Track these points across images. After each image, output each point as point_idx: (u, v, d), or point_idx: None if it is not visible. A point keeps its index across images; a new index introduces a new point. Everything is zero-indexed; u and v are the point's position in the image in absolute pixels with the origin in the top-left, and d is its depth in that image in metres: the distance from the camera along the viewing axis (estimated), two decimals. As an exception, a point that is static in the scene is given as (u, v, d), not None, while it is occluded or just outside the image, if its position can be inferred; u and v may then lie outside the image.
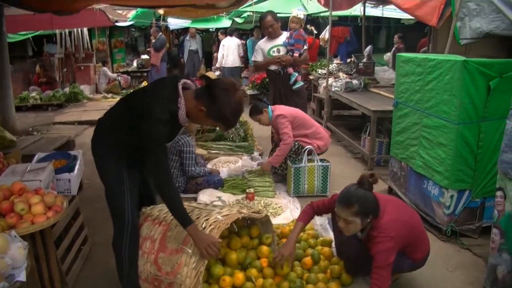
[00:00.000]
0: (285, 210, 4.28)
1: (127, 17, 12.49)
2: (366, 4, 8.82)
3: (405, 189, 4.37)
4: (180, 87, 2.51)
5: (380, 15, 11.24)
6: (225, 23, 14.41)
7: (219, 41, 12.92)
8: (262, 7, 10.22)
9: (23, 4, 4.00)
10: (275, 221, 3.84)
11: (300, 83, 5.53)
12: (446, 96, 3.58)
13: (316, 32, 11.34)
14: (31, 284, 2.44)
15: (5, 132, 5.10)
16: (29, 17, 7.80)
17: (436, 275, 3.21)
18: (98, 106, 10.50)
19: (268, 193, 4.62)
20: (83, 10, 5.94)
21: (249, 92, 10.43)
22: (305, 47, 5.52)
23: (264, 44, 5.58)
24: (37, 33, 11.28)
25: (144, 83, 12.14)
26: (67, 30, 12.27)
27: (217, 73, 11.52)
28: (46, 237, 2.69)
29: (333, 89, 7.19)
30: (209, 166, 5.17)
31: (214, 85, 2.47)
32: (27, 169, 3.27)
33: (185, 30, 15.28)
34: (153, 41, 11.91)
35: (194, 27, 13.55)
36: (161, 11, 9.33)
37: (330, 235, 3.51)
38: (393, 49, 11.15)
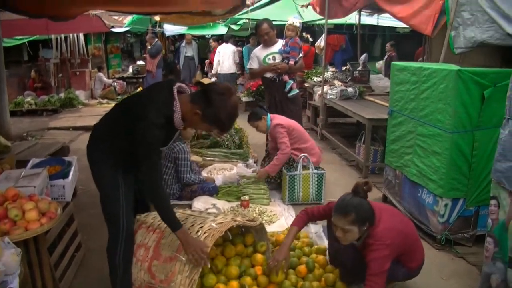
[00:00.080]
0: (279, 218, 4.27)
1: (123, 23, 12.52)
2: (362, 13, 8.87)
3: (399, 197, 4.38)
4: (175, 90, 2.52)
5: (375, 23, 11.30)
6: (221, 30, 14.46)
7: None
8: (258, 15, 10.26)
9: (18, 9, 4.00)
10: (269, 228, 3.83)
11: (296, 91, 5.55)
12: (440, 105, 3.60)
13: (312, 40, 11.39)
14: (24, 291, 2.43)
15: (0, 137, 5.07)
16: (25, 22, 7.78)
17: (431, 284, 3.21)
18: (93, 111, 10.47)
19: (263, 201, 4.61)
20: (79, 15, 5.94)
21: (244, 99, 10.45)
22: (301, 54, 5.54)
23: (259, 52, 5.60)
24: (32, 38, 11.26)
25: (140, 89, 12.13)
26: (63, 35, 12.25)
27: (213, 79, 11.54)
28: (40, 244, 2.68)
29: (328, 97, 7.21)
30: (204, 173, 5.16)
31: (210, 89, 2.50)
32: (21, 175, 3.25)
33: (181, 36, 15.32)
34: (149, 47, 11.92)
35: (190, 34, 13.58)
36: (157, 18, 9.36)
37: (325, 243, 3.50)
38: (386, 57, 11.24)
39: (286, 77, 5.43)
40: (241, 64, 12.25)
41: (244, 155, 5.81)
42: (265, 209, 4.43)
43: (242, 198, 4.46)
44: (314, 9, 8.19)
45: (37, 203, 2.69)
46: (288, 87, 5.44)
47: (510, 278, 2.66)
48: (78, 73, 12.67)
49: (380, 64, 11.44)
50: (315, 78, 8.79)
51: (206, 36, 17.18)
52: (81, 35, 13.03)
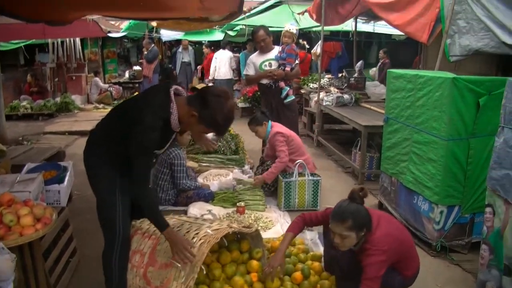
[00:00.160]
0: (275, 224, 4.27)
1: (120, 28, 12.52)
2: (358, 20, 8.92)
3: (395, 204, 4.39)
4: (172, 92, 2.53)
5: (372, 30, 11.35)
6: (218, 36, 14.49)
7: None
8: (255, 21, 10.30)
9: (15, 14, 3.99)
10: (265, 235, 3.83)
11: (292, 97, 5.57)
12: (436, 112, 3.62)
13: (308, 47, 11.44)
14: (18, 297, 2.42)
15: (-5, 141, 5.06)
16: (21, 26, 7.76)
17: (426, 291, 3.21)
18: (89, 116, 10.46)
19: (259, 207, 4.61)
20: (76, 20, 5.93)
21: (240, 105, 10.47)
22: (297, 61, 5.56)
23: (256, 58, 5.62)
24: (29, 42, 11.24)
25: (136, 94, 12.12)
26: (59, 40, 12.23)
27: (210, 85, 11.56)
28: (35, 249, 2.66)
29: (324, 104, 7.23)
30: (199, 179, 5.16)
31: (206, 91, 2.53)
32: (17, 179, 3.24)
33: (178, 42, 15.34)
34: (146, 52, 11.92)
35: (187, 39, 13.60)
36: (154, 23, 9.36)
37: (321, 250, 3.51)
38: (379, 64, 11.31)
39: (282, 84, 5.45)
40: (237, 70, 12.27)
41: (240, 161, 5.81)
42: (261, 215, 4.42)
43: (238, 204, 4.46)
44: (311, 16, 8.24)
45: (32, 209, 2.68)
46: (284, 93, 5.46)
47: (506, 286, 2.67)
48: (74, 77, 12.64)
49: (373, 70, 11.52)
50: (311, 85, 8.81)
51: (203, 42, 17.21)
52: (77, 40, 13.02)
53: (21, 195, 2.89)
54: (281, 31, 5.72)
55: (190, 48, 13.66)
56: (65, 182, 3.66)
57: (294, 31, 5.55)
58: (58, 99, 11.38)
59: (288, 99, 5.51)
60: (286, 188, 4.64)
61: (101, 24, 10.04)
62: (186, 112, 2.51)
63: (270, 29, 5.69)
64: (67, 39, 12.50)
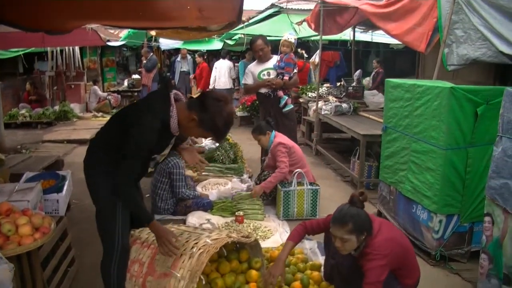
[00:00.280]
0: (274, 234, 4.26)
1: (119, 36, 12.56)
2: (356, 29, 8.96)
3: (394, 213, 4.39)
4: (172, 96, 2.56)
5: (370, 40, 11.43)
6: (217, 45, 14.53)
7: (195, 63, 13.16)
8: (253, 30, 10.36)
9: (14, 23, 4.00)
10: (264, 244, 3.82)
11: (290, 106, 5.58)
12: (434, 121, 3.63)
13: (307, 56, 11.48)
14: (16, 307, 2.40)
15: (-7, 150, 5.07)
16: (20, 34, 7.76)
17: (425, 301, 3.20)
18: (88, 125, 10.47)
19: (258, 216, 4.60)
20: (75, 29, 5.95)
21: (239, 113, 10.49)
22: (295, 70, 5.58)
23: (254, 67, 5.64)
24: (28, 50, 11.27)
25: (135, 102, 12.11)
26: (58, 48, 12.27)
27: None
28: (33, 259, 2.65)
29: (323, 113, 7.25)
30: (198, 188, 5.15)
31: (206, 96, 2.55)
32: (15, 189, 3.24)
33: (177, 51, 15.37)
34: (144, 61, 11.95)
35: (185, 48, 13.64)
36: (153, 33, 9.39)
37: (320, 259, 3.50)
38: (373, 73, 11.38)
39: (280, 93, 5.47)
40: (237, 79, 12.30)
41: (239, 170, 5.80)
42: (260, 225, 4.42)
43: (236, 213, 4.45)
44: (309, 26, 8.27)
45: (31, 218, 2.68)
46: (282, 102, 5.48)
47: (505, 296, 2.67)
48: (73, 86, 12.66)
49: (367, 80, 11.58)
50: (309, 94, 8.84)
51: (202, 50, 17.27)
52: (76, 48, 13.07)
53: (19, 204, 2.88)
54: (279, 40, 5.74)
55: (188, 57, 13.68)
56: (64, 191, 3.65)
57: (293, 41, 5.57)
58: (56, 108, 11.39)
59: (287, 108, 5.52)
60: (285, 197, 4.63)
61: (100, 32, 10.07)
62: (185, 116, 2.53)
63: (268, 38, 5.72)
64: (66, 48, 12.54)
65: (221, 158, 5.98)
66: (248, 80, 5.66)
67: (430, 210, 3.70)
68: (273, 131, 5.03)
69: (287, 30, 8.64)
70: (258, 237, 4.03)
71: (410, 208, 4.04)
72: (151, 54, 12.22)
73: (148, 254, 2.68)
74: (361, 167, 5.64)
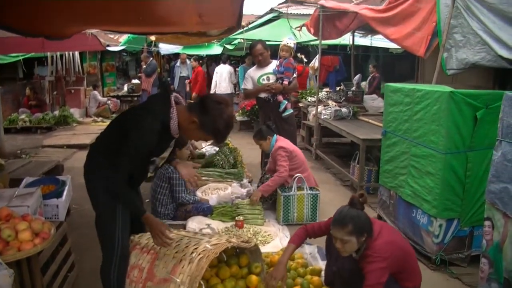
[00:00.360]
0: (274, 238, 4.26)
1: (118, 41, 12.57)
2: (355, 34, 8.98)
3: (394, 217, 4.38)
4: (172, 98, 2.57)
5: (369, 44, 11.42)
6: (216, 49, 14.55)
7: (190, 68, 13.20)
8: (253, 35, 10.36)
9: (14, 28, 4.01)
10: (264, 249, 3.81)
11: (290, 111, 5.59)
12: (433, 126, 3.63)
13: (306, 61, 11.50)
14: (15, 313, 2.40)
15: (-7, 155, 5.06)
16: (20, 39, 7.78)
17: (426, 305, 3.19)
18: (88, 129, 10.47)
19: (258, 221, 4.59)
20: (75, 34, 5.96)
21: (239, 118, 10.49)
22: (295, 75, 5.59)
23: (254, 72, 5.66)
24: (28, 55, 11.30)
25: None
26: (58, 53, 12.29)
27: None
28: (33, 264, 2.65)
29: (322, 117, 7.26)
30: (198, 192, 5.14)
31: (207, 99, 2.57)
32: (15, 194, 3.23)
33: (176, 55, 15.39)
34: (144, 66, 11.96)
35: (185, 53, 13.66)
36: (153, 38, 9.42)
37: (320, 264, 3.49)
38: (369, 78, 11.41)
39: (280, 97, 5.48)
40: (238, 84, 12.32)
41: (239, 175, 5.80)
42: (260, 230, 4.41)
43: (236, 218, 4.45)
44: (309, 30, 8.28)
45: (31, 223, 2.67)
46: (282, 107, 5.49)
47: (505, 300, 2.66)
48: (73, 91, 12.67)
49: (363, 84, 11.60)
50: (309, 98, 8.85)
51: (198, 55, 17.30)
52: (76, 53, 13.08)
53: (19, 209, 2.88)
54: (279, 45, 5.76)
55: (188, 62, 13.69)
56: (64, 197, 3.65)
57: (292, 45, 5.59)
58: (56, 112, 11.40)
59: (286, 113, 5.53)
60: (285, 202, 4.63)
61: (100, 37, 10.08)
62: (186, 118, 2.54)
63: (268, 43, 5.74)
64: (66, 53, 12.56)
65: (221, 163, 5.98)
66: (248, 85, 5.67)
67: (430, 214, 3.70)
68: (274, 135, 5.03)
69: (286, 34, 8.65)
70: (258, 242, 4.03)
71: (410, 213, 4.04)
72: (151, 59, 12.24)
73: (147, 259, 2.68)
74: (361, 172, 5.65)
